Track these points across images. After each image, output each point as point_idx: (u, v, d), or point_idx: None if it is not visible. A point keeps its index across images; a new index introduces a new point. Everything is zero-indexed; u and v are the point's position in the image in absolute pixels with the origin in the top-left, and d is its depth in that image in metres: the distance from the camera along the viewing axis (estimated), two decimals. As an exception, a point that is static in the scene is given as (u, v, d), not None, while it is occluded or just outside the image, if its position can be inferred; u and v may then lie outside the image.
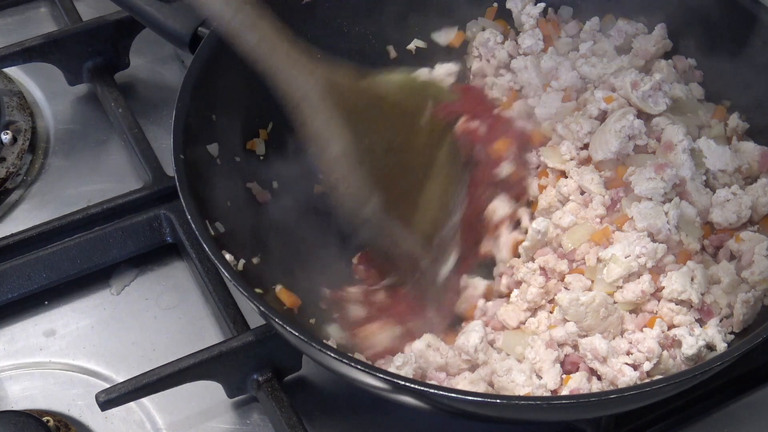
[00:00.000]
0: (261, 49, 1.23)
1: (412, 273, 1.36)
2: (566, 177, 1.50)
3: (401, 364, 1.29)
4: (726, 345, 1.31)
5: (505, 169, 1.45)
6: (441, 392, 1.16)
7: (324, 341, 1.22)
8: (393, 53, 1.67)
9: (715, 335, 1.31)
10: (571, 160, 1.50)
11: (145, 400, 1.39)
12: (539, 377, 1.30)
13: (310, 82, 1.22)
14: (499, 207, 1.45)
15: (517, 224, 1.47)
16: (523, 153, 1.47)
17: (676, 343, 1.31)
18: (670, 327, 1.33)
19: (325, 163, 1.28)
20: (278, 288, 1.36)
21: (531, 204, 1.53)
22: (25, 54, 1.70)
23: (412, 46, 1.67)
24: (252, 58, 1.25)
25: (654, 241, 1.36)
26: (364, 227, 1.31)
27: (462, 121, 1.45)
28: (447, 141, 1.37)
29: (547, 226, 1.41)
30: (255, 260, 1.37)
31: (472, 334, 1.33)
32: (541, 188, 1.53)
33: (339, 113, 1.23)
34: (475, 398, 1.17)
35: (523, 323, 1.38)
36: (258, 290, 1.29)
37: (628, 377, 1.27)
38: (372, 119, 1.28)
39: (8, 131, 1.68)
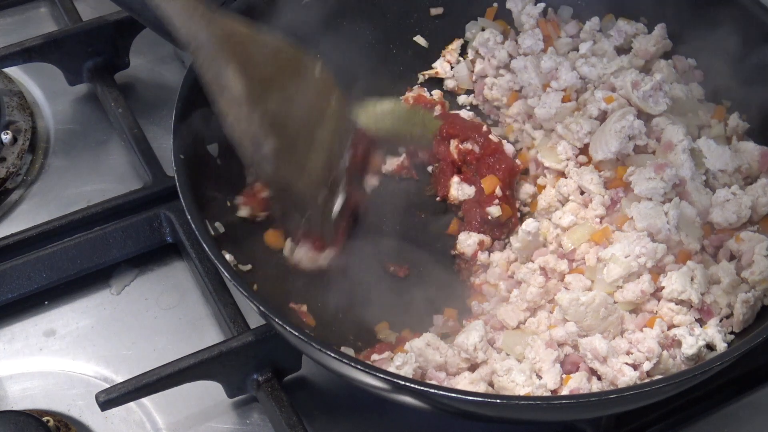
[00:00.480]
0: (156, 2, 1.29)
1: (311, 207, 1.43)
2: (565, 177, 1.50)
3: (401, 364, 1.29)
4: (726, 345, 1.31)
5: (495, 212, 1.49)
6: (441, 392, 1.16)
7: (324, 342, 1.21)
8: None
9: (715, 335, 1.31)
10: (568, 160, 1.51)
11: (145, 400, 1.39)
12: (539, 377, 1.30)
13: (206, 30, 1.28)
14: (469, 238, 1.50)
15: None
16: (510, 188, 1.53)
17: (676, 343, 1.31)
18: (670, 327, 1.33)
19: (222, 106, 1.32)
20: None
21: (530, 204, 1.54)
22: (25, 54, 1.70)
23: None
24: (150, 5, 1.30)
25: (654, 241, 1.36)
26: (262, 165, 1.36)
27: (455, 145, 1.54)
28: (335, 95, 1.43)
29: (537, 228, 1.41)
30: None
31: (472, 333, 1.33)
32: (540, 188, 1.54)
33: (235, 61, 1.29)
34: (475, 398, 1.17)
35: (523, 323, 1.38)
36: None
37: (628, 377, 1.27)
38: (267, 70, 1.34)
39: (8, 131, 1.68)
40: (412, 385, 1.15)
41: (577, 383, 1.28)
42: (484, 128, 1.56)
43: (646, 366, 1.29)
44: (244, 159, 1.38)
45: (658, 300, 1.35)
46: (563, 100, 1.55)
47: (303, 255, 1.44)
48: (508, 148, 1.56)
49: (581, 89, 1.57)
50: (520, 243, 1.43)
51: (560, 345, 1.32)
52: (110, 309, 1.52)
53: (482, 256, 1.48)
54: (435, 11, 1.70)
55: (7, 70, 1.78)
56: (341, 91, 1.44)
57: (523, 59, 1.63)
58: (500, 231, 1.50)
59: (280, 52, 1.37)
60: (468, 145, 1.53)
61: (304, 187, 1.39)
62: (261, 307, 1.22)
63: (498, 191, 1.49)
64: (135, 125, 1.66)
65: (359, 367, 1.16)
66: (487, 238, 1.49)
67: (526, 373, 1.29)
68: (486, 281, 1.46)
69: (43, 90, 1.80)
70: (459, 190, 1.53)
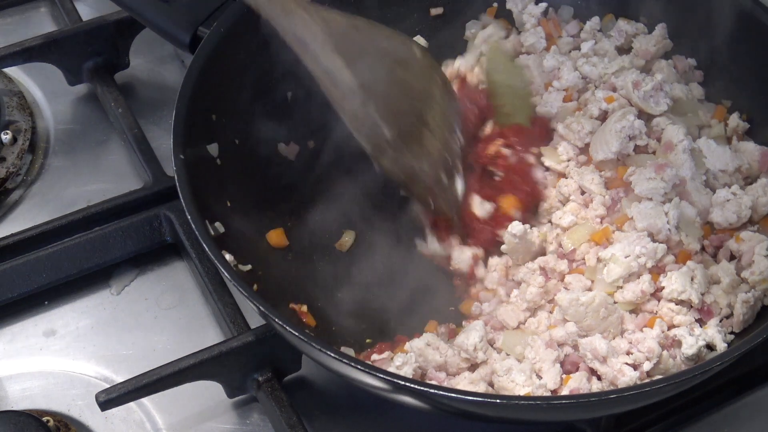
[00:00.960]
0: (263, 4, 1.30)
1: (438, 189, 1.43)
2: (566, 177, 1.50)
3: (401, 364, 1.29)
4: (726, 345, 1.31)
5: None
6: (441, 392, 1.16)
7: (323, 342, 1.21)
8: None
9: (715, 335, 1.31)
10: (569, 161, 1.51)
11: (145, 400, 1.39)
12: (539, 377, 1.29)
13: (311, 23, 1.28)
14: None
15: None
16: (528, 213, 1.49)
17: (676, 343, 1.31)
18: (670, 327, 1.33)
19: (337, 99, 1.32)
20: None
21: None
22: (25, 54, 1.70)
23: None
24: (257, 11, 1.31)
25: (654, 241, 1.36)
26: (386, 154, 1.36)
27: (498, 144, 1.49)
28: (438, 73, 1.44)
29: (524, 231, 1.41)
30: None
31: (472, 333, 1.33)
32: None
33: (341, 51, 1.29)
34: (475, 398, 1.17)
35: (523, 323, 1.38)
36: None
37: (628, 377, 1.27)
38: (371, 57, 1.34)
39: (8, 131, 1.68)
40: (412, 385, 1.15)
41: (577, 383, 1.28)
42: (533, 149, 1.51)
43: (646, 366, 1.29)
44: (369, 152, 1.37)
45: (658, 300, 1.35)
46: (564, 100, 1.55)
47: (435, 247, 1.45)
48: (539, 174, 1.50)
49: (582, 89, 1.57)
50: (508, 246, 1.42)
51: (560, 345, 1.32)
52: (110, 309, 1.52)
53: (479, 271, 1.47)
54: (435, 11, 1.70)
55: (7, 70, 1.78)
56: (440, 68, 1.44)
57: (525, 58, 1.63)
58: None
59: (378, 37, 1.37)
60: (507, 150, 1.49)
61: (428, 169, 1.39)
62: (261, 307, 1.22)
63: (515, 213, 1.46)
64: (135, 125, 1.66)
65: (359, 367, 1.16)
66: (480, 251, 1.47)
67: (526, 373, 1.29)
68: (484, 288, 1.46)
69: (43, 90, 1.80)
70: (481, 208, 1.47)
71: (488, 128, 1.51)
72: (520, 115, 1.51)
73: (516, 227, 1.40)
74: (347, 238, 1.52)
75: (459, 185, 1.45)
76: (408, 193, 1.46)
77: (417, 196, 1.45)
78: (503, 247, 1.43)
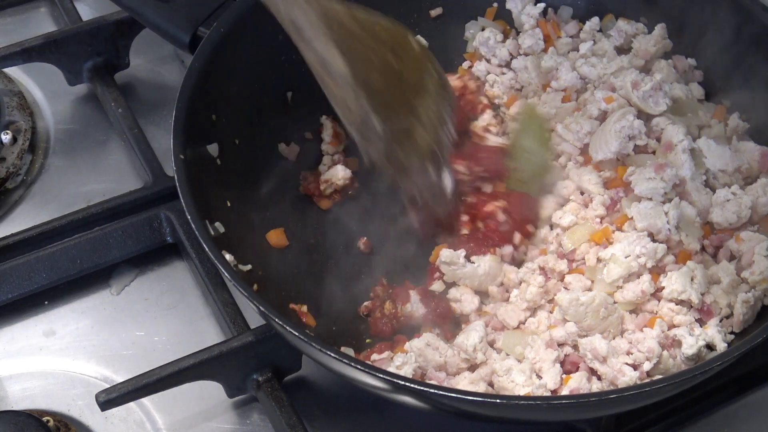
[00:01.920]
0: None
1: (427, 186, 1.42)
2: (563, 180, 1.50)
3: (401, 364, 1.29)
4: (726, 345, 1.31)
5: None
6: (441, 392, 1.16)
7: (323, 342, 1.21)
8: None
9: (715, 335, 1.31)
10: (568, 161, 1.51)
11: (145, 400, 1.39)
12: (539, 377, 1.29)
13: (307, 9, 1.28)
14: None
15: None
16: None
17: (676, 343, 1.31)
18: (670, 327, 1.33)
19: (329, 87, 1.32)
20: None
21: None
22: (25, 54, 1.70)
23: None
24: None
25: (654, 241, 1.36)
26: (375, 144, 1.36)
27: (493, 205, 1.47)
28: (434, 65, 1.42)
29: (452, 257, 1.40)
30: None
31: (472, 333, 1.33)
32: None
33: (336, 39, 1.29)
34: (475, 398, 1.17)
35: (523, 323, 1.38)
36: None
37: (628, 377, 1.27)
38: (365, 45, 1.34)
39: (8, 131, 1.68)
40: (412, 385, 1.15)
41: (577, 383, 1.28)
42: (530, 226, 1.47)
43: (646, 366, 1.29)
44: (357, 142, 1.37)
45: (658, 300, 1.35)
46: (563, 100, 1.55)
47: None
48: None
49: (581, 89, 1.57)
50: (448, 275, 1.43)
51: (560, 345, 1.32)
52: (110, 309, 1.52)
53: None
54: (435, 12, 1.70)
55: (7, 70, 1.78)
56: (437, 61, 1.43)
57: (523, 59, 1.63)
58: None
59: (372, 25, 1.36)
60: (502, 216, 1.45)
61: (417, 162, 1.39)
62: (261, 307, 1.22)
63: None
64: (135, 125, 1.66)
65: (359, 367, 1.16)
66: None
67: (526, 373, 1.29)
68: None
69: (43, 90, 1.80)
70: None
71: (493, 186, 1.49)
72: (532, 185, 1.49)
73: (445, 254, 1.41)
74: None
75: (447, 180, 1.45)
76: (395, 185, 1.45)
77: (403, 189, 1.44)
78: (445, 277, 1.43)
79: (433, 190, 1.43)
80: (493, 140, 1.53)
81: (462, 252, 1.41)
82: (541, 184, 1.49)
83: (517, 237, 1.44)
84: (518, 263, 1.45)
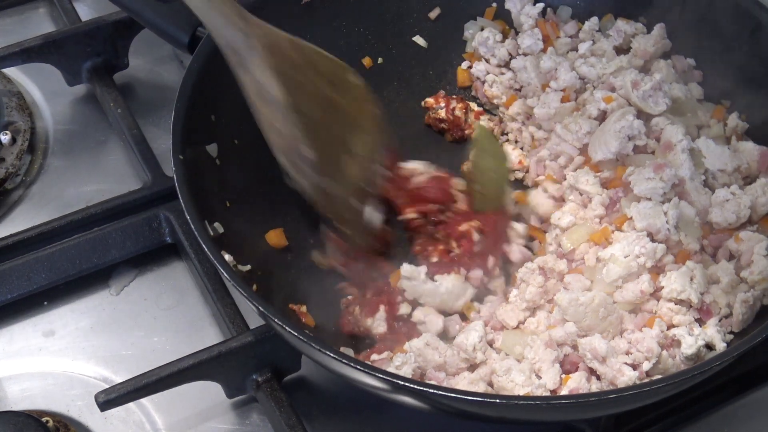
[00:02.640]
0: (204, 8, 1.30)
1: (351, 218, 1.43)
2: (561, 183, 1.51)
3: (400, 364, 1.29)
4: (725, 345, 1.31)
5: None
6: (440, 392, 1.16)
7: (323, 342, 1.21)
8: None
9: (714, 335, 1.31)
10: (570, 163, 1.51)
11: (145, 401, 1.39)
12: (538, 377, 1.30)
13: (248, 34, 1.29)
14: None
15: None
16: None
17: (676, 343, 1.31)
18: (670, 327, 1.33)
19: (260, 111, 1.34)
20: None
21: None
22: (24, 54, 1.70)
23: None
24: (195, 14, 1.31)
25: (653, 241, 1.36)
26: (304, 172, 1.37)
27: (468, 225, 1.46)
28: (369, 103, 1.44)
29: (412, 272, 1.39)
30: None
31: (471, 333, 1.33)
32: (535, 183, 1.54)
33: (274, 66, 1.30)
34: (475, 398, 1.17)
35: (523, 323, 1.38)
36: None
37: (627, 377, 1.27)
38: (304, 76, 1.35)
39: (7, 132, 1.68)
40: (412, 385, 1.15)
41: (577, 383, 1.28)
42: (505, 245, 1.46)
43: (646, 366, 1.29)
44: (284, 166, 1.38)
45: (658, 300, 1.35)
46: (562, 100, 1.55)
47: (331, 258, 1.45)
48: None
49: (580, 89, 1.57)
50: (408, 291, 1.42)
51: (559, 345, 1.32)
52: (109, 309, 1.52)
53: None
54: (433, 14, 1.70)
55: (6, 70, 1.78)
56: (375, 100, 1.44)
57: (522, 59, 1.63)
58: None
59: (314, 58, 1.37)
60: (477, 236, 1.45)
61: (342, 193, 1.40)
62: (260, 308, 1.22)
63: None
64: (134, 126, 1.66)
65: (359, 367, 1.16)
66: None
67: (525, 373, 1.29)
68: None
69: (42, 90, 1.80)
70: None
71: (462, 205, 1.49)
72: (497, 200, 1.49)
73: (405, 268, 1.40)
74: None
75: (374, 216, 1.45)
76: (316, 209, 1.44)
77: (325, 214, 1.44)
78: (406, 293, 1.42)
79: (354, 220, 1.44)
80: (422, 170, 1.52)
81: (423, 268, 1.40)
82: (504, 196, 1.49)
83: (491, 261, 1.43)
84: (483, 289, 1.44)
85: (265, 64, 1.29)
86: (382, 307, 1.41)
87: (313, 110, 1.34)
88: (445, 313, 1.41)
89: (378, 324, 1.40)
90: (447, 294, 1.39)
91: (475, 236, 1.44)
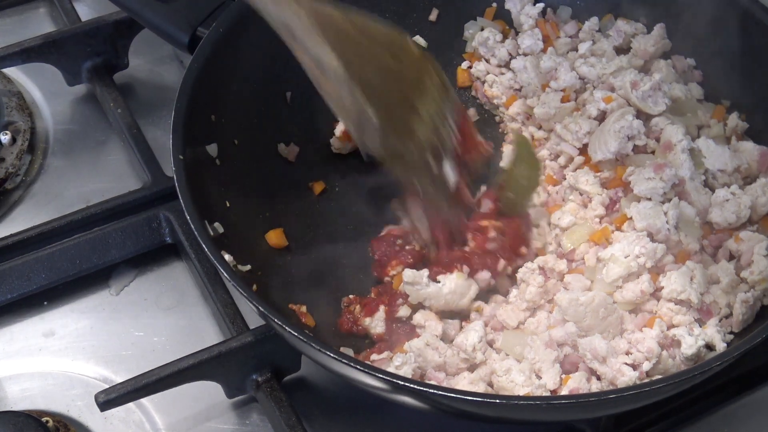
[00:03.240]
0: None
1: (427, 177, 1.42)
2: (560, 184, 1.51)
3: (400, 364, 1.29)
4: (725, 345, 1.31)
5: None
6: (440, 392, 1.16)
7: (323, 342, 1.21)
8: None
9: (714, 335, 1.31)
10: (570, 163, 1.51)
11: (145, 401, 1.39)
12: (538, 377, 1.30)
13: (299, 10, 1.28)
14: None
15: None
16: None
17: (676, 343, 1.31)
18: (670, 327, 1.33)
19: (324, 86, 1.32)
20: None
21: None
22: (24, 54, 1.69)
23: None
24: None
25: (653, 241, 1.36)
26: (372, 138, 1.35)
27: (487, 222, 1.46)
28: (431, 67, 1.42)
29: (414, 277, 1.39)
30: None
31: (471, 333, 1.33)
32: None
33: (329, 39, 1.29)
34: (475, 398, 1.17)
35: (523, 323, 1.38)
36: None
37: (627, 377, 1.27)
38: (360, 46, 1.34)
39: (7, 131, 1.68)
40: (412, 385, 1.15)
41: (577, 383, 1.28)
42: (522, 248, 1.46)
43: (646, 366, 1.29)
44: (353, 135, 1.37)
45: (658, 300, 1.35)
46: (562, 100, 1.55)
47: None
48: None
49: (580, 89, 1.57)
50: (411, 296, 1.41)
51: (560, 345, 1.32)
52: (109, 309, 1.52)
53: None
54: (433, 15, 1.70)
55: (6, 70, 1.78)
56: (437, 64, 1.43)
57: (522, 59, 1.63)
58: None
59: (368, 28, 1.37)
60: (493, 234, 1.45)
61: (414, 154, 1.38)
62: (260, 308, 1.22)
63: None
64: (134, 125, 1.66)
65: (359, 367, 1.16)
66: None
67: (525, 373, 1.29)
68: None
69: (42, 90, 1.80)
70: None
71: (486, 206, 1.48)
72: (522, 205, 1.49)
73: (407, 274, 1.39)
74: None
75: (450, 173, 1.43)
76: (394, 175, 1.43)
77: (403, 178, 1.43)
78: (410, 299, 1.40)
79: (433, 179, 1.42)
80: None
81: (425, 272, 1.39)
82: (528, 202, 1.49)
83: (501, 264, 1.42)
84: (491, 292, 1.43)
85: (319, 38, 1.29)
86: (381, 308, 1.41)
87: (373, 78, 1.33)
88: (452, 312, 1.41)
89: (376, 324, 1.40)
90: (451, 294, 1.39)
91: (492, 233, 1.44)
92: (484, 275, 1.41)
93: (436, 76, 1.43)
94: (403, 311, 1.41)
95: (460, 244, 1.45)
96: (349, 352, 1.37)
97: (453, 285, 1.39)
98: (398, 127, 1.37)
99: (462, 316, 1.42)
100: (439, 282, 1.39)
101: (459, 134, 1.44)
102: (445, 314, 1.41)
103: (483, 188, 1.51)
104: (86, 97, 1.78)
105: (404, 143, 1.38)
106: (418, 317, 1.40)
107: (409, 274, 1.39)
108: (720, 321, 1.34)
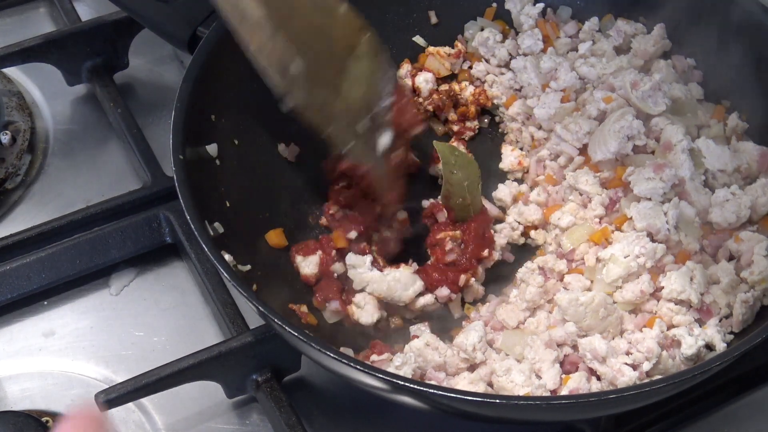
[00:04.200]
0: None
1: (352, 134, 1.40)
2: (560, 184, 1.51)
3: (400, 364, 1.29)
4: (725, 345, 1.31)
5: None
6: (440, 392, 1.16)
7: (324, 342, 1.21)
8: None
9: (714, 335, 1.31)
10: (569, 163, 1.51)
11: (145, 401, 1.39)
12: (538, 377, 1.30)
13: None
14: None
15: None
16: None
17: (676, 343, 1.31)
18: (670, 327, 1.33)
19: (244, 35, 1.31)
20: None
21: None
22: (24, 54, 1.70)
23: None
24: None
25: (653, 241, 1.37)
26: (293, 88, 1.34)
27: (445, 234, 1.47)
28: (366, 34, 1.41)
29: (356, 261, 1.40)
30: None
31: (471, 333, 1.33)
32: (535, 184, 1.55)
33: None
34: (475, 398, 1.17)
35: (523, 323, 1.38)
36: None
37: (627, 377, 1.27)
38: (284, 1, 1.33)
39: (7, 131, 1.68)
40: (412, 386, 1.15)
41: (577, 383, 1.28)
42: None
43: (646, 366, 1.29)
44: (274, 85, 1.35)
45: (658, 300, 1.35)
46: (562, 101, 1.55)
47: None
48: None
49: (580, 89, 1.57)
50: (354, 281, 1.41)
51: (559, 345, 1.32)
52: (109, 309, 1.52)
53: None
54: (433, 16, 1.70)
55: (6, 70, 1.78)
56: (375, 34, 1.41)
57: (522, 59, 1.63)
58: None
59: None
60: (452, 243, 1.46)
61: (339, 111, 1.37)
62: (260, 308, 1.22)
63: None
64: (134, 125, 1.66)
65: (359, 367, 1.16)
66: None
67: (525, 373, 1.29)
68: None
69: (42, 90, 1.80)
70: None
71: (442, 217, 1.49)
72: (475, 204, 1.48)
73: (350, 257, 1.41)
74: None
75: (382, 141, 1.41)
76: (314, 128, 1.40)
77: (330, 138, 1.40)
78: (354, 284, 1.41)
79: (362, 142, 1.40)
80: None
81: (368, 257, 1.41)
82: (479, 198, 1.49)
83: (462, 279, 1.43)
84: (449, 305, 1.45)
85: None
86: (318, 253, 1.43)
87: (299, 32, 1.32)
88: (393, 302, 1.41)
89: (308, 264, 1.43)
90: (394, 282, 1.39)
91: (449, 245, 1.45)
92: (443, 291, 1.42)
93: (372, 48, 1.40)
94: (337, 267, 1.43)
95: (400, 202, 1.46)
96: (349, 352, 1.37)
97: (398, 274, 1.40)
98: (324, 79, 1.35)
99: (405, 311, 1.42)
100: (383, 272, 1.40)
101: (394, 110, 1.43)
102: (390, 308, 1.42)
103: (427, 202, 1.53)
104: (86, 97, 1.78)
105: (329, 96, 1.36)
106: (359, 297, 1.41)
107: (352, 257, 1.40)
108: (720, 321, 1.34)
